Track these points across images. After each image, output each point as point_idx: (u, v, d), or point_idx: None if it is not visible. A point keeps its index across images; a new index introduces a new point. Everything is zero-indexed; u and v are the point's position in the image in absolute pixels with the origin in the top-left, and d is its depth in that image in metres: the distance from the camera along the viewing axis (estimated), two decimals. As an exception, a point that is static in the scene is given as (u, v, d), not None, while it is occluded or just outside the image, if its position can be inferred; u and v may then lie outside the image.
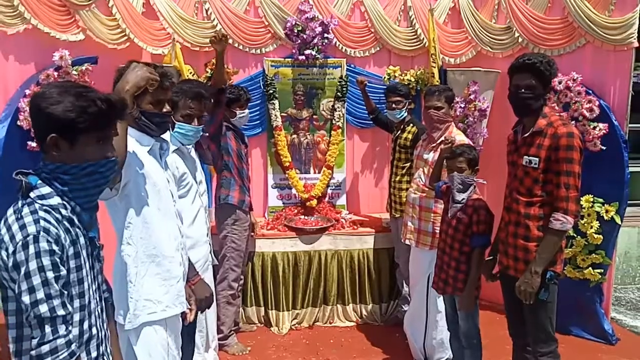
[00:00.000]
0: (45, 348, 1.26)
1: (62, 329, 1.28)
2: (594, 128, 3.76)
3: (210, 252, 2.58)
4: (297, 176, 4.56)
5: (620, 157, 3.77)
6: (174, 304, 2.11)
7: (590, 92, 3.81)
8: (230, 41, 4.18)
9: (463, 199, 2.73)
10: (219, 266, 3.60)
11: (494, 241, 2.77)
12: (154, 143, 2.08)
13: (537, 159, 2.42)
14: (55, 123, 1.31)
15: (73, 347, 1.30)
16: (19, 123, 3.50)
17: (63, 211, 1.35)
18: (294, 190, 4.59)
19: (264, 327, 4.18)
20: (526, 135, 2.49)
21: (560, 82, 3.82)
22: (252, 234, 3.99)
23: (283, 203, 4.64)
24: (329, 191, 4.69)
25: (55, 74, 3.51)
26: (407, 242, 3.51)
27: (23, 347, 1.33)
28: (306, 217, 4.44)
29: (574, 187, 2.36)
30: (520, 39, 4.13)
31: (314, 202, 4.51)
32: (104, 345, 1.51)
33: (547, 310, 2.49)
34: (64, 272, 1.29)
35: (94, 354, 1.44)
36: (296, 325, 4.17)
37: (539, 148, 2.41)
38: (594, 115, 3.77)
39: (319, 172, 4.62)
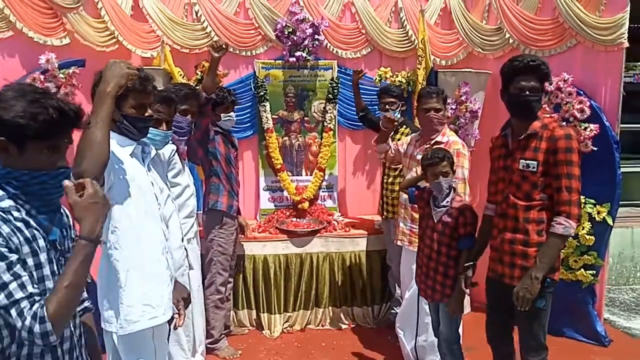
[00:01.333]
0: (23, 334, 1.24)
1: (26, 308, 1.24)
2: (585, 129, 3.74)
3: (187, 258, 2.55)
4: (289, 178, 4.55)
5: (612, 157, 3.75)
6: (169, 307, 2.10)
7: (581, 92, 3.79)
8: (230, 49, 4.13)
9: (448, 202, 2.71)
10: (206, 271, 3.59)
11: (477, 248, 2.70)
12: (136, 146, 2.06)
13: (535, 162, 2.34)
14: (4, 127, 1.29)
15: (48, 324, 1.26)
16: (5, 127, 3.47)
17: (15, 213, 1.32)
18: (285, 193, 4.58)
19: (255, 330, 4.15)
20: (520, 138, 2.40)
21: (551, 83, 3.80)
22: (242, 235, 3.97)
23: (275, 206, 4.62)
24: (321, 193, 4.67)
25: (42, 77, 3.48)
26: (399, 243, 3.49)
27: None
28: (298, 220, 4.42)
29: (576, 190, 2.30)
30: (511, 40, 4.12)
31: (306, 204, 4.49)
32: (77, 350, 1.48)
33: (541, 319, 2.43)
34: (14, 257, 1.26)
35: (66, 359, 1.42)
36: (288, 328, 4.15)
37: (536, 151, 2.35)
38: (585, 116, 3.76)
39: (311, 175, 4.61)
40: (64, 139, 1.39)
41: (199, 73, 4.19)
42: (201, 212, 3.77)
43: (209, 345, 3.60)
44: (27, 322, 1.23)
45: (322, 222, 4.33)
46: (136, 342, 2.03)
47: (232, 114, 3.63)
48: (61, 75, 3.53)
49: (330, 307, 4.22)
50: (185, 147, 3.19)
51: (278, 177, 4.54)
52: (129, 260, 1.99)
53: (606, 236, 3.86)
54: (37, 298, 1.26)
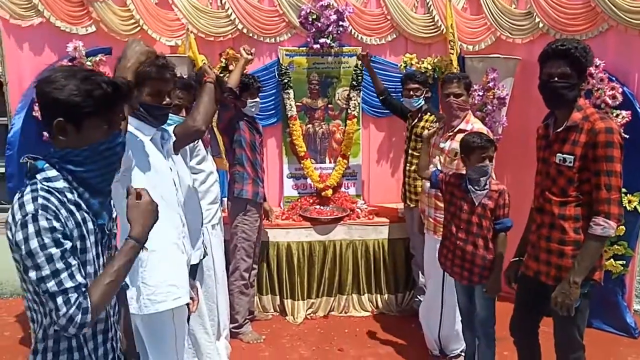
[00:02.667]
0: (62, 320, 1.27)
1: (73, 297, 1.27)
2: (617, 116, 3.64)
3: (204, 243, 2.60)
4: (313, 166, 4.54)
5: (644, 145, 3.64)
6: (188, 290, 2.14)
7: (614, 78, 3.68)
8: (244, 31, 4.21)
9: (488, 185, 2.72)
10: (230, 257, 3.63)
11: (521, 243, 2.64)
12: (156, 132, 2.09)
13: (572, 156, 2.21)
14: (61, 107, 1.31)
15: (89, 315, 1.30)
16: (34, 114, 3.55)
17: (69, 195, 1.34)
18: (309, 180, 4.57)
19: (279, 315, 4.20)
20: (559, 130, 2.28)
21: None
22: (266, 221, 4.01)
23: (298, 193, 4.63)
24: (345, 181, 4.66)
25: (70, 64, 3.54)
26: (424, 231, 3.48)
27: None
28: (321, 207, 4.43)
29: (616, 188, 2.15)
30: (540, 25, 4.01)
31: (330, 192, 4.49)
32: (113, 331, 1.52)
33: (577, 318, 2.29)
34: (68, 244, 1.29)
35: (99, 339, 1.45)
36: (311, 314, 4.18)
37: (574, 145, 2.21)
38: (617, 103, 3.65)
39: (335, 162, 4.60)
40: (118, 114, 1.42)
41: (223, 60, 4.20)
42: (226, 198, 3.82)
43: (233, 330, 3.66)
44: (71, 311, 1.26)
45: (346, 210, 4.32)
46: (158, 323, 2.07)
47: (257, 99, 3.65)
48: (88, 63, 3.59)
49: (353, 294, 4.23)
50: (209, 135, 3.22)
51: (302, 165, 4.54)
52: (151, 241, 2.02)
53: (637, 226, 3.77)
54: (83, 289, 1.30)
